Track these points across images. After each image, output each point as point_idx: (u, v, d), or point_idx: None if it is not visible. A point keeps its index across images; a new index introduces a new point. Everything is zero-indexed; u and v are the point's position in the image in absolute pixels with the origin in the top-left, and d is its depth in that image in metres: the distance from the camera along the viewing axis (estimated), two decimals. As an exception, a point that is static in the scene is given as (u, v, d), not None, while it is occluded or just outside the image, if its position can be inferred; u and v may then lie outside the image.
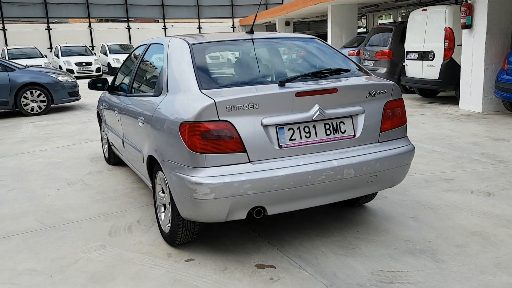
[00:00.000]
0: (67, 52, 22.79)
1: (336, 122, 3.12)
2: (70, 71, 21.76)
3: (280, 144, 2.94)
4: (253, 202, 2.90)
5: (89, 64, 22.31)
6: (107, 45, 24.04)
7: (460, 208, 3.87)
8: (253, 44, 3.63)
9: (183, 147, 2.86)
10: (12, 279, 3.00)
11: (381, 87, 3.27)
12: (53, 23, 26.81)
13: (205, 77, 3.16)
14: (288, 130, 2.98)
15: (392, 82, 3.35)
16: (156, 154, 3.27)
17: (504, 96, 7.85)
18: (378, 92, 3.24)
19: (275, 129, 2.94)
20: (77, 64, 22.06)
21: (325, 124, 3.08)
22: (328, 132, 3.08)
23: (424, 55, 9.87)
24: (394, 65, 11.35)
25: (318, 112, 3.01)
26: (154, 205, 3.65)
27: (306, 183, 2.95)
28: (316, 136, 3.05)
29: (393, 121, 3.32)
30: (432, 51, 9.66)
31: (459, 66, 9.07)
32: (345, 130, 3.13)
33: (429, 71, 9.72)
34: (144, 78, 4.11)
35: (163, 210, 3.48)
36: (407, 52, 10.50)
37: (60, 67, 22.04)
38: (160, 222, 3.50)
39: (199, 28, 30.32)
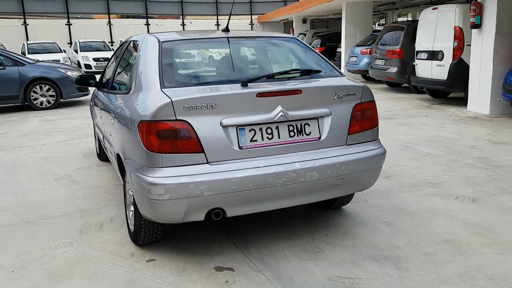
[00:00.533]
0: (86, 47, 23.09)
1: (301, 124, 3.05)
2: (88, 66, 22.10)
3: (240, 145, 2.89)
4: (211, 204, 2.86)
5: (107, 59, 22.53)
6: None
7: (439, 214, 3.76)
8: (228, 42, 3.58)
9: (141, 146, 2.84)
10: (-27, 273, 3.03)
11: (350, 89, 3.18)
12: (77, 18, 27.20)
13: (169, 75, 3.12)
14: (250, 131, 2.93)
15: (362, 84, 3.26)
16: (121, 152, 3.26)
17: (511, 98, 7.62)
18: (347, 94, 3.16)
19: (235, 130, 2.89)
20: (95, 59, 22.32)
21: (288, 126, 3.01)
22: (292, 133, 3.02)
23: (434, 55, 9.66)
24: (405, 65, 11.14)
25: (281, 114, 2.95)
26: (124, 204, 3.65)
27: (266, 185, 2.89)
28: (279, 138, 2.98)
29: (362, 123, 3.24)
30: (441, 51, 9.44)
31: (468, 67, 8.84)
32: (310, 132, 3.06)
33: (438, 71, 9.50)
34: (120, 75, 4.11)
35: (132, 209, 3.47)
36: (417, 52, 10.29)
37: (79, 62, 22.41)
38: (128, 221, 3.49)
39: (217, 24, 30.37)
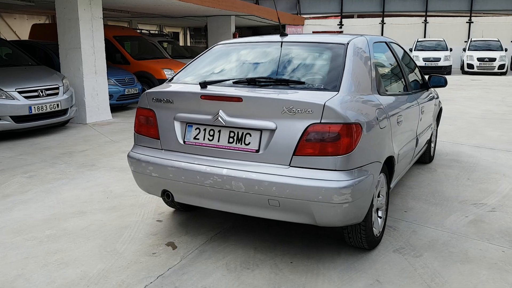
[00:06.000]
0: (474, 46, 22.24)
1: (242, 133, 2.99)
2: (470, 66, 21.33)
3: (185, 140, 3.18)
4: (159, 185, 3.30)
5: (492, 60, 21.09)
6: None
7: None
8: (279, 47, 3.64)
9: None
10: None
11: (304, 105, 2.80)
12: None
13: (186, 73, 3.62)
14: (196, 129, 3.15)
15: (322, 103, 2.78)
16: None
17: None
18: (300, 110, 2.81)
19: (185, 125, 3.19)
20: (479, 59, 21.30)
21: (230, 132, 3.03)
22: (231, 140, 3.02)
23: None
24: None
25: (218, 118, 3.02)
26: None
27: (196, 182, 3.08)
28: (218, 141, 3.06)
29: (319, 147, 2.80)
30: None
31: None
32: (249, 143, 2.97)
33: None
34: None
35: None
36: None
37: (462, 62, 21.94)
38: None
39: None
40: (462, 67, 22.16)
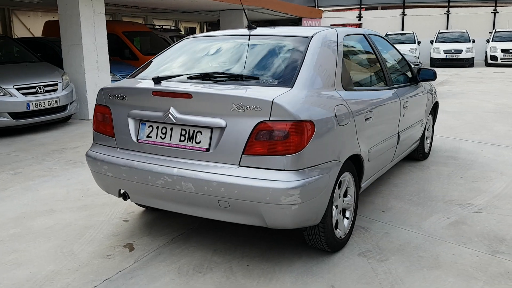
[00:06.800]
0: (499, 37, 21.48)
1: (194, 131, 2.86)
2: (493, 57, 20.63)
3: (138, 138, 3.07)
4: (115, 184, 3.21)
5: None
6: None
7: None
8: (245, 40, 3.50)
9: None
10: None
11: (253, 102, 2.66)
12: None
13: (148, 67, 3.51)
14: (149, 127, 3.04)
15: (270, 99, 2.62)
16: None
17: None
18: (249, 107, 2.67)
19: (138, 123, 3.08)
20: (503, 50, 20.55)
21: (182, 130, 2.91)
22: (183, 138, 2.90)
23: None
24: None
25: (169, 115, 2.90)
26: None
27: (147, 182, 2.97)
28: (170, 140, 2.94)
29: (268, 146, 2.65)
30: None
31: None
32: (200, 141, 2.84)
33: None
34: None
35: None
36: None
37: (486, 54, 21.24)
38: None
39: None
40: (485, 59, 21.42)
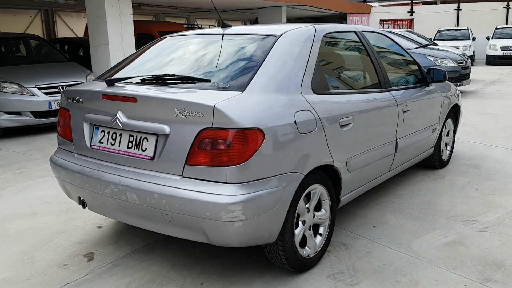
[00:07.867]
0: (500, 34, 20.05)
1: (141, 137, 2.67)
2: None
3: (91, 144, 2.92)
4: (73, 191, 3.08)
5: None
6: None
7: None
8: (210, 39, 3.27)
9: None
10: None
11: (194, 107, 2.42)
12: None
13: (115, 69, 3.35)
14: (101, 132, 2.88)
15: (212, 105, 2.37)
16: None
17: None
18: (192, 113, 2.43)
19: (92, 128, 2.93)
20: (502, 48, 19.11)
21: (130, 136, 2.72)
22: (130, 145, 2.71)
23: None
24: None
25: (116, 120, 2.72)
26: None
27: (97, 190, 2.82)
28: (119, 146, 2.77)
29: (210, 155, 2.41)
30: None
31: None
32: (146, 149, 2.64)
33: None
34: None
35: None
36: None
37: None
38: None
39: None
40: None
